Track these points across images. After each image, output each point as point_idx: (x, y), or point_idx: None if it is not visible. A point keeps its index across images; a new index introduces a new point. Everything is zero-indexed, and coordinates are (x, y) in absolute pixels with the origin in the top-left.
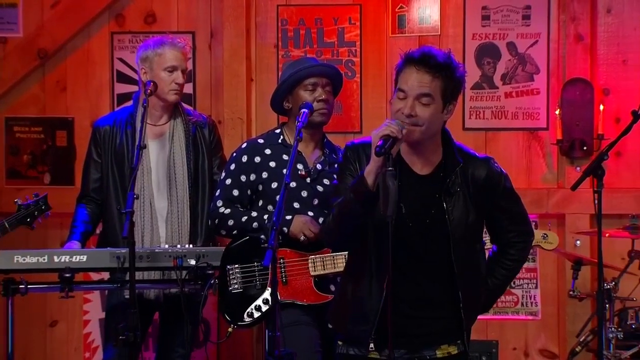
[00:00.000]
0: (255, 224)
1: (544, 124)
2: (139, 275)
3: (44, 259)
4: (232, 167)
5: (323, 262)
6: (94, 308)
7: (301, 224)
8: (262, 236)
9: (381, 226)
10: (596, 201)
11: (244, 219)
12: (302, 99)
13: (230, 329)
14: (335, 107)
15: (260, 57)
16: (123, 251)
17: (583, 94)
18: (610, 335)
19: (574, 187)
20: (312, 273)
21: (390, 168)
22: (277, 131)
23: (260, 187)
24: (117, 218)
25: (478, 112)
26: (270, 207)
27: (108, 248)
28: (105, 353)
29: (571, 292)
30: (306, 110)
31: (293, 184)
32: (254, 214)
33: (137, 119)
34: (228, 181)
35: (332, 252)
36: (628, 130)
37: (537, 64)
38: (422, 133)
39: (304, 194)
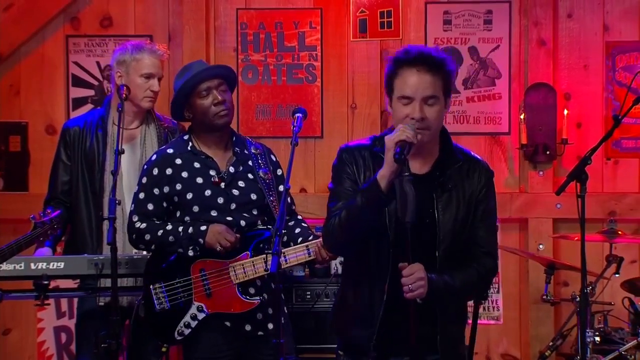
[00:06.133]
0: (171, 238)
1: (505, 128)
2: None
3: (20, 266)
4: (144, 180)
5: (243, 268)
6: (48, 316)
7: (216, 234)
8: (180, 249)
9: (381, 230)
10: (577, 206)
11: (160, 232)
12: (200, 106)
13: (164, 349)
14: None
15: (219, 61)
16: (101, 257)
17: (546, 98)
18: (588, 340)
19: (559, 192)
20: (235, 281)
21: (407, 174)
22: (185, 137)
23: (176, 199)
24: (86, 223)
25: None
26: (187, 219)
27: (85, 255)
28: None
29: (544, 297)
30: (300, 115)
31: (208, 192)
32: (169, 227)
33: (108, 122)
34: (141, 195)
35: (251, 258)
36: (609, 135)
37: (499, 69)
38: (431, 135)
39: (220, 200)
